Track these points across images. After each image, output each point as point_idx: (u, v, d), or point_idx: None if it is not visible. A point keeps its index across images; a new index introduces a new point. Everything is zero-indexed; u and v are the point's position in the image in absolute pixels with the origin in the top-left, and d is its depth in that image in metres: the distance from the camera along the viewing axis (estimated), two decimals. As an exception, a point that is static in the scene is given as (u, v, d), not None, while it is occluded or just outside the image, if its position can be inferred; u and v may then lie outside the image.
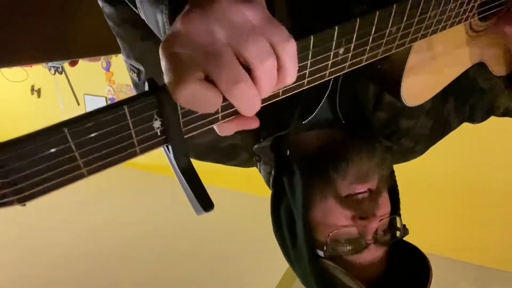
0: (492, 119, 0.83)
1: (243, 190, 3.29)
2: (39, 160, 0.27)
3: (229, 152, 0.75)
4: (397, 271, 0.68)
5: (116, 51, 0.68)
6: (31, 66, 3.53)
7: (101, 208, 3.46)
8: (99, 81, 3.80)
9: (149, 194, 3.51)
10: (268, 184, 0.79)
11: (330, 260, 0.64)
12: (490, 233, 2.64)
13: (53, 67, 3.32)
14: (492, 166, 2.54)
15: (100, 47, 1.57)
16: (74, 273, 2.64)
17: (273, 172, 0.75)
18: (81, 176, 0.29)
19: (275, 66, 0.32)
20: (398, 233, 0.69)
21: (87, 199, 3.64)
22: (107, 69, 3.66)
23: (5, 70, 3.89)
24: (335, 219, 0.65)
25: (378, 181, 0.68)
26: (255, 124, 0.38)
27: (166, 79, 0.31)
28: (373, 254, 0.65)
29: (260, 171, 0.81)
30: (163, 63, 0.31)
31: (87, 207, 3.50)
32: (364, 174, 0.66)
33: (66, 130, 0.27)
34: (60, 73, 3.43)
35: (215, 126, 0.37)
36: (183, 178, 0.33)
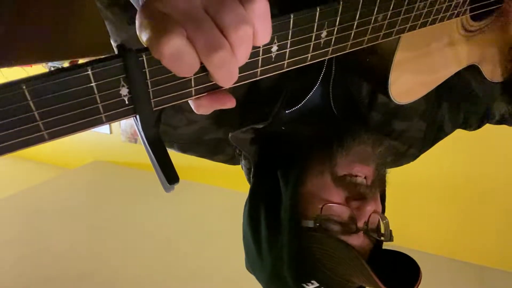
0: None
1: (246, 191, 3.25)
2: (-5, 117, 0.26)
3: (213, 147, 0.74)
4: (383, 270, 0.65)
5: (117, 51, 0.68)
6: (31, 66, 3.54)
7: (101, 208, 3.45)
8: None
9: (149, 194, 3.50)
10: (248, 181, 0.77)
11: (320, 232, 0.60)
12: (490, 233, 2.65)
13: (53, 67, 3.33)
14: (492, 166, 2.55)
15: (100, 47, 1.57)
16: (74, 273, 2.63)
17: (252, 168, 0.74)
18: (41, 139, 0.28)
19: (251, 34, 0.31)
20: (382, 238, 0.66)
21: (87, 199, 3.64)
22: (108, 70, 3.66)
23: (5, 70, 3.90)
24: (328, 195, 0.62)
25: (375, 176, 0.66)
26: (231, 103, 0.37)
27: (146, 35, 0.30)
28: (362, 242, 0.62)
29: (242, 168, 0.80)
30: (142, 22, 0.30)
31: (87, 207, 3.49)
32: (367, 156, 0.64)
33: (24, 87, 0.26)
34: (61, 73, 3.43)
35: (190, 102, 0.36)
36: (150, 150, 0.32)
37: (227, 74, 0.32)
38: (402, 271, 0.63)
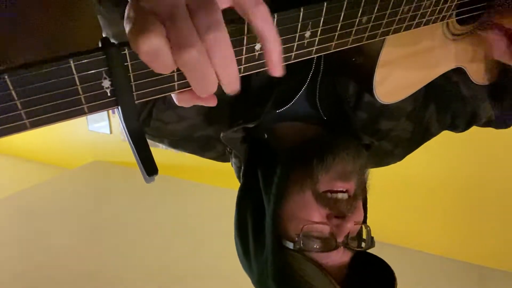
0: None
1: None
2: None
3: (203, 144, 0.75)
4: (360, 280, 0.66)
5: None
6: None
7: (101, 208, 3.47)
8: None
9: (149, 194, 3.52)
10: (238, 179, 0.78)
11: (299, 253, 0.63)
12: (490, 233, 2.64)
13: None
14: (492, 166, 2.55)
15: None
16: (74, 273, 2.64)
17: (242, 166, 0.75)
18: (23, 127, 0.29)
19: (224, 38, 0.31)
20: (363, 244, 0.67)
21: (87, 199, 3.65)
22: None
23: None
24: (309, 214, 0.63)
25: (357, 186, 0.67)
26: (212, 101, 0.38)
27: (128, 27, 0.30)
28: (341, 257, 0.64)
29: (232, 165, 0.81)
30: (128, 15, 0.31)
31: (87, 207, 3.51)
32: (347, 173, 0.65)
33: (6, 77, 0.27)
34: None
35: (172, 94, 0.37)
36: (131, 142, 0.33)
37: (199, 76, 0.32)
38: (379, 278, 0.66)
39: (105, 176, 4.06)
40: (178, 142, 0.74)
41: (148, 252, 2.84)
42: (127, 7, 0.32)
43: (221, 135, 0.70)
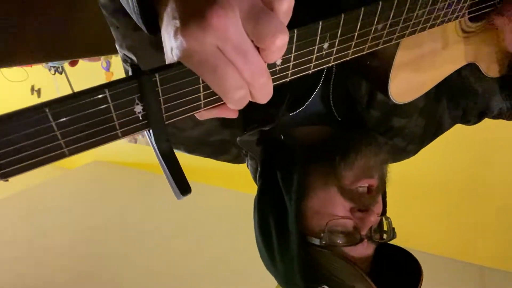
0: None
1: (245, 191, 3.26)
2: (20, 138, 0.27)
3: (218, 147, 0.76)
4: (387, 271, 0.68)
5: (116, 51, 0.69)
6: (31, 66, 3.54)
7: (101, 208, 3.47)
8: (99, 81, 3.76)
9: (149, 194, 3.52)
10: (255, 180, 0.79)
11: (326, 249, 0.64)
12: (490, 233, 2.66)
13: (53, 67, 3.32)
14: (493, 166, 2.56)
15: (100, 47, 1.58)
16: (74, 273, 2.65)
17: (259, 167, 0.76)
18: (62, 156, 0.30)
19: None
20: (385, 236, 0.69)
21: (87, 199, 3.65)
22: (107, 69, 3.66)
23: (5, 70, 3.90)
24: (333, 208, 0.65)
25: (378, 181, 0.68)
26: (234, 114, 0.39)
27: (211, 81, 0.32)
28: (366, 249, 0.66)
29: (248, 167, 0.81)
30: (196, 60, 0.31)
31: (88, 207, 3.51)
32: (370, 168, 0.66)
33: (47, 110, 0.27)
34: (60, 73, 3.44)
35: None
36: (163, 162, 0.34)
37: (267, 94, 0.36)
38: (405, 269, 0.67)
39: (105, 176, 4.06)
40: (193, 148, 0.75)
41: (148, 253, 2.85)
42: (181, 45, 0.31)
43: (237, 139, 0.71)
